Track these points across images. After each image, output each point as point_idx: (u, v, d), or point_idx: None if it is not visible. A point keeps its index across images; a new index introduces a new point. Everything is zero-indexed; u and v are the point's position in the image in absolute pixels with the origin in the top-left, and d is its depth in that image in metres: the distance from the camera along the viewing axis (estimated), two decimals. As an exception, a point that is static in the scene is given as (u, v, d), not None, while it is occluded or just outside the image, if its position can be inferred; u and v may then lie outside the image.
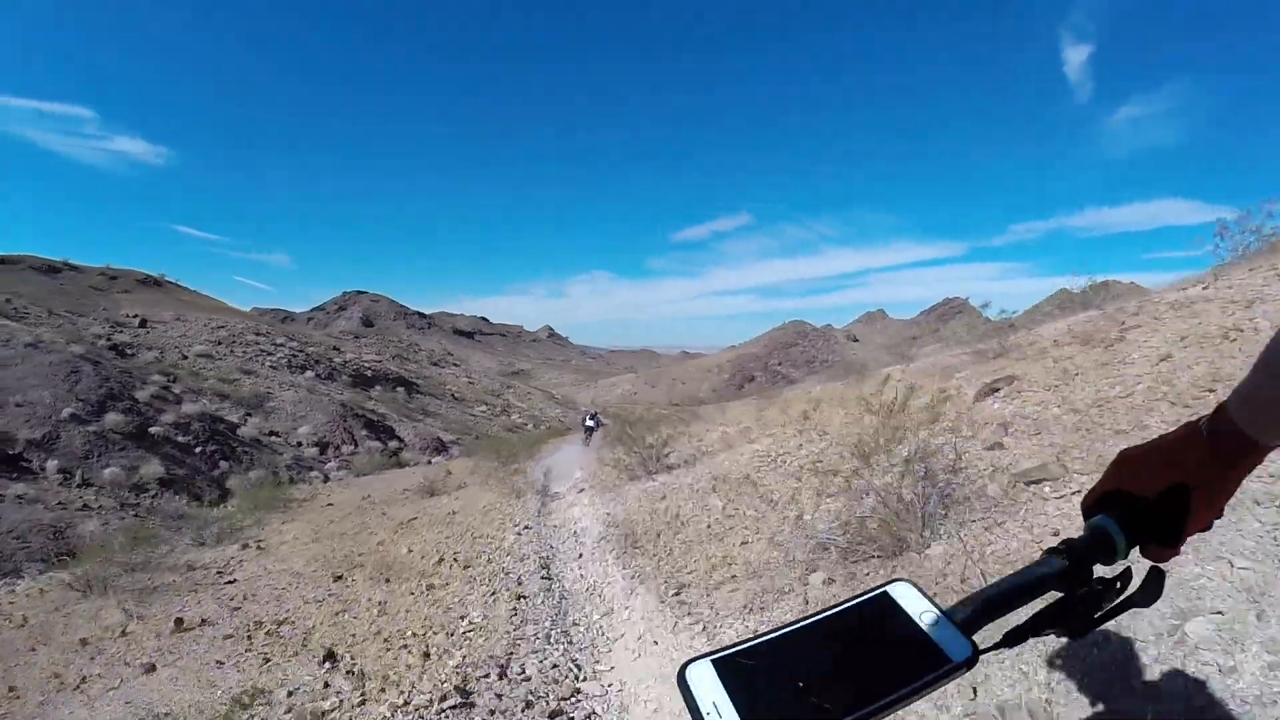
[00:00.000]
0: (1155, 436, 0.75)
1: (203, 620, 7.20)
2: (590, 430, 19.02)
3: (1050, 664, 2.29)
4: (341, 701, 4.12)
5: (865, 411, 8.14)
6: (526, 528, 7.45)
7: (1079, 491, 3.50)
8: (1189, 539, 0.70)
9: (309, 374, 36.26)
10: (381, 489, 18.60)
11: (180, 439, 21.46)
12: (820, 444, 7.67)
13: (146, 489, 18.31)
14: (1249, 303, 4.89)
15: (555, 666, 4.09)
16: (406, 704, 3.79)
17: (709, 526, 5.62)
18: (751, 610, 3.97)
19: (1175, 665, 2.01)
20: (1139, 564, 0.65)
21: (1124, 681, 2.05)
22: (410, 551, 8.41)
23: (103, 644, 7.11)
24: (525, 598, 4.91)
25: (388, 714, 3.73)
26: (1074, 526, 2.29)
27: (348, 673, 4.65)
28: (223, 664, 5.69)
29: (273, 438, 26.54)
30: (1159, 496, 0.70)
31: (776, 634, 0.57)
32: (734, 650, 0.56)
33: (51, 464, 17.33)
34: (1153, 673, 2.03)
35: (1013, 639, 0.62)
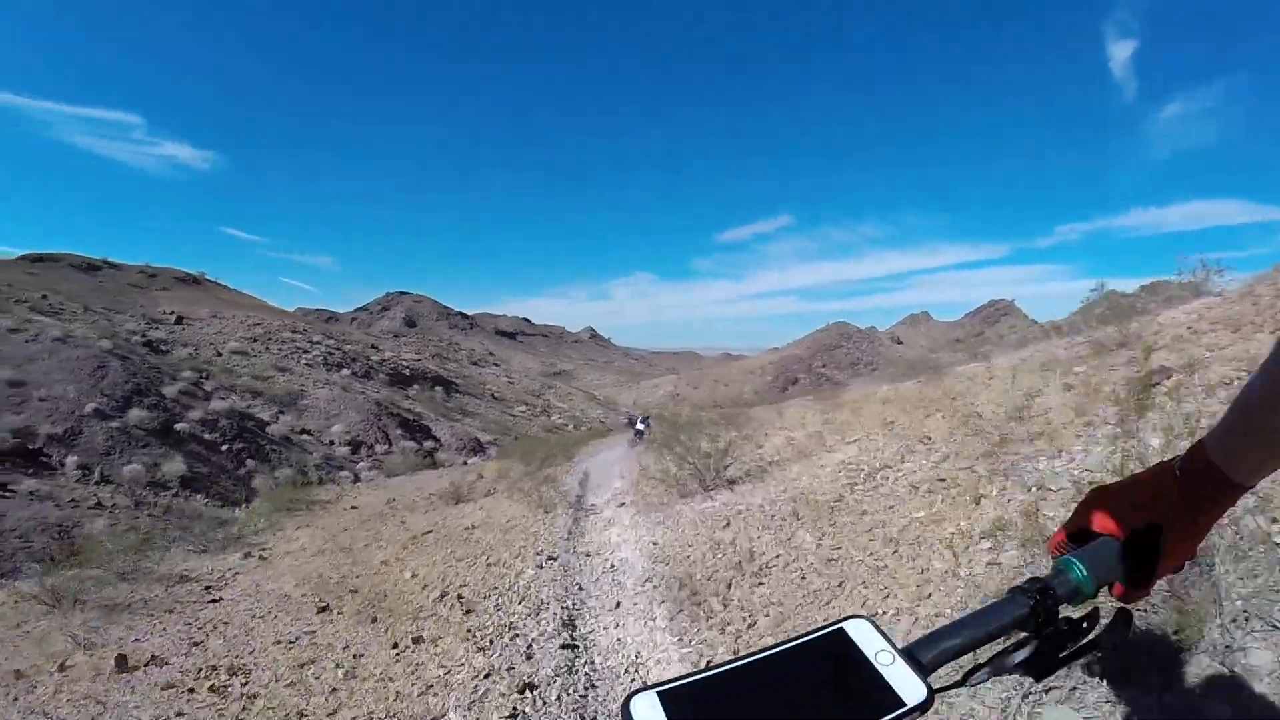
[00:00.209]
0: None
1: (152, 658, 5.84)
2: (640, 433, 18.44)
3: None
4: None
5: (968, 415, 6.41)
6: (550, 558, 5.81)
7: None
8: (1159, 580, 0.70)
9: (344, 372, 35.69)
10: (409, 492, 17.58)
11: (206, 436, 20.74)
12: (931, 455, 5.89)
13: (168, 487, 17.53)
14: None
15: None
16: None
17: (803, 578, 3.89)
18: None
19: None
20: (1107, 604, 0.64)
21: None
22: (414, 577, 6.95)
23: (37, 679, 5.82)
24: (533, 688, 3.27)
25: None
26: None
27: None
28: (142, 733, 4.27)
29: (304, 436, 25.79)
30: (1129, 537, 0.69)
31: (725, 668, 0.55)
32: (681, 683, 0.53)
33: (71, 460, 16.67)
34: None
35: (972, 678, 0.62)
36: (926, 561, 3.56)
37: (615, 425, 30.60)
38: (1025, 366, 9.22)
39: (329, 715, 3.63)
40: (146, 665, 5.70)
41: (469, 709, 3.12)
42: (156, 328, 32.61)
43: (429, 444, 30.49)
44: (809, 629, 0.59)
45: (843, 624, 0.60)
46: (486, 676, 3.41)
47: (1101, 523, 0.70)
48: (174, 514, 15.43)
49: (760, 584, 3.99)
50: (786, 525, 4.97)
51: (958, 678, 0.61)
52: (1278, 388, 0.62)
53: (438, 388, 42.92)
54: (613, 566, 5.48)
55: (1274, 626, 2.15)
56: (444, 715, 3.16)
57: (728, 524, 5.45)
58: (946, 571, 3.32)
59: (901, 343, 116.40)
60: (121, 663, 5.75)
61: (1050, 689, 2.16)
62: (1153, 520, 0.67)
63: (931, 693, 0.54)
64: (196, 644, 6.15)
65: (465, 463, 26.61)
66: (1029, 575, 0.72)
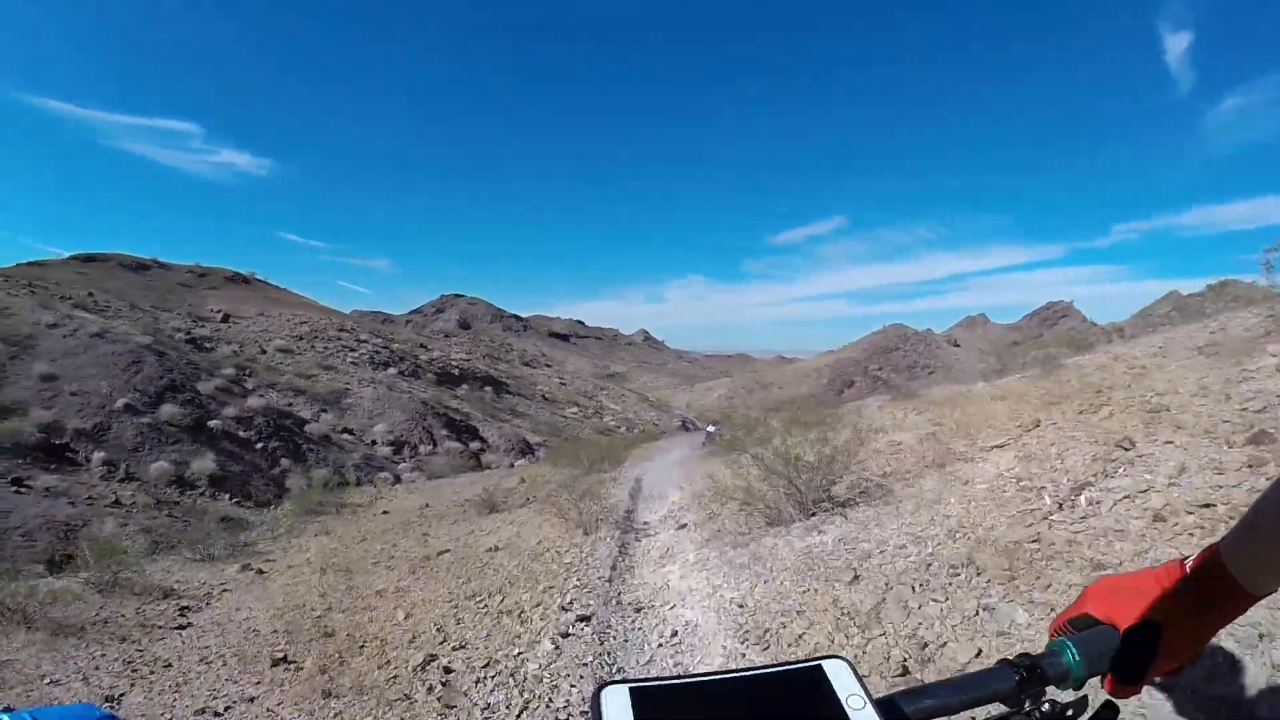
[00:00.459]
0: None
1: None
2: (710, 435, 18.01)
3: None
4: None
5: (1155, 410, 4.28)
6: (582, 619, 3.88)
7: None
8: (1153, 680, 0.66)
9: (391, 370, 34.91)
10: (445, 496, 16.23)
11: (241, 434, 19.84)
12: (1150, 466, 3.75)
13: (195, 485, 16.56)
14: None
15: None
16: None
17: None
18: None
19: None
20: (1097, 694, 0.60)
21: None
22: (407, 618, 5.21)
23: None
24: None
25: None
26: None
27: None
28: None
29: (344, 435, 24.83)
30: (1128, 631, 0.66)
31: (699, 679, 0.54)
32: (654, 684, 0.53)
33: (98, 455, 15.86)
34: None
35: None
36: None
37: (669, 428, 28.71)
38: (1171, 354, 7.22)
39: None
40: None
41: None
42: (202, 325, 32.50)
43: (475, 445, 29.23)
44: (788, 660, 0.58)
45: (821, 661, 0.58)
46: None
47: (1103, 612, 0.68)
48: (193, 515, 14.33)
49: None
50: (965, 585, 2.96)
51: None
52: None
53: (487, 388, 41.86)
54: (675, 636, 3.55)
55: None
56: None
57: (855, 578, 3.45)
58: None
59: (959, 345, 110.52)
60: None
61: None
62: (1153, 617, 0.65)
63: None
64: (109, 700, 4.56)
65: (512, 465, 25.22)
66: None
